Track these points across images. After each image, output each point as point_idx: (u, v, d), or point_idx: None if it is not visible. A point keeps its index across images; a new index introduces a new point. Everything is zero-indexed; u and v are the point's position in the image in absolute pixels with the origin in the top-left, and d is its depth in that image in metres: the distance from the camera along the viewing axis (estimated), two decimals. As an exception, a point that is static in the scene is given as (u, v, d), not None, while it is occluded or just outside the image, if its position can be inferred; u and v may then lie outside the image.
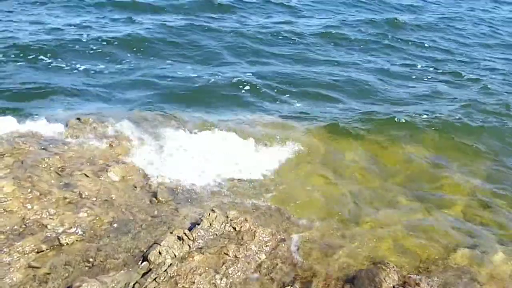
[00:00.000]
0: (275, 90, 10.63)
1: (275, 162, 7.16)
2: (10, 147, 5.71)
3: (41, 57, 11.03)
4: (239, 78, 10.80)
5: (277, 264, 4.84)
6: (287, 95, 10.50)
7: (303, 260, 5.02)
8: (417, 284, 4.62)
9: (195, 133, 7.51)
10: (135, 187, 5.83)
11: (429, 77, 12.73)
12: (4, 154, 5.55)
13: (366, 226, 5.90)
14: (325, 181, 6.93)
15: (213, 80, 10.79)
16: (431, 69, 13.42)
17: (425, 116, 9.46)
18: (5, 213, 4.65)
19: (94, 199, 5.30)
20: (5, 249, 4.25)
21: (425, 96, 11.11)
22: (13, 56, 10.84)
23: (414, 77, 12.60)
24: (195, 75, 11.15)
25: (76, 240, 4.66)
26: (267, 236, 5.14)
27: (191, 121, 8.23)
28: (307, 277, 4.78)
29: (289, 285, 4.58)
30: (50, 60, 10.97)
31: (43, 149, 5.89)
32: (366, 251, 5.30)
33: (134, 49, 12.43)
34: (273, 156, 7.31)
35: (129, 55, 12.11)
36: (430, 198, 6.73)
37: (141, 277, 4.15)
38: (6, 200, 4.79)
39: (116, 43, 12.56)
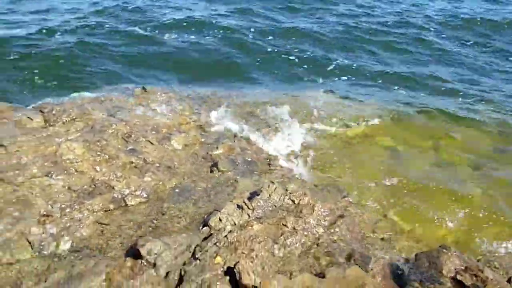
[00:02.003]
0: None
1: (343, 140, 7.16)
2: (80, 112, 5.98)
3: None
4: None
5: (334, 241, 4.82)
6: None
7: (360, 238, 4.97)
8: (480, 270, 4.45)
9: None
10: (197, 156, 5.96)
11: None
12: (75, 118, 5.83)
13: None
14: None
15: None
16: None
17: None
18: (76, 173, 4.90)
19: (158, 165, 5.47)
20: (76, 206, 4.49)
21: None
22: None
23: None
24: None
25: (141, 202, 4.85)
26: (326, 211, 5.12)
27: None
28: (363, 255, 4.74)
29: (345, 261, 4.55)
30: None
31: (111, 115, 6.13)
32: (430, 237, 5.18)
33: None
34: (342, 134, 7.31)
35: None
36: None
37: (202, 241, 4.25)
38: (77, 161, 5.05)
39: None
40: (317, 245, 4.68)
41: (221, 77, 9.88)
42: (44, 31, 11.21)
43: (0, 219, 4.11)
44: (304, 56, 11.60)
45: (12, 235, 4.03)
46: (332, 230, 4.97)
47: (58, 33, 11.17)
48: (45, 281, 3.60)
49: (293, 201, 5.08)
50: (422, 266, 4.50)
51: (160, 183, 5.17)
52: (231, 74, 10.06)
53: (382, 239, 5.12)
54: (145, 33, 11.88)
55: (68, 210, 4.44)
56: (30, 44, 10.18)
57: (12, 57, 9.42)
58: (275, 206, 4.98)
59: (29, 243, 4.04)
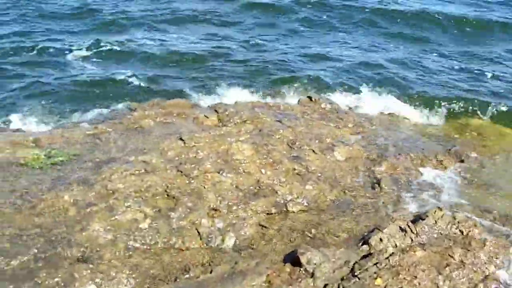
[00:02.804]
0: None
1: None
2: (251, 115, 6.28)
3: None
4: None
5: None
6: None
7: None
8: None
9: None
10: (358, 169, 5.83)
11: None
12: (246, 121, 6.14)
13: None
14: None
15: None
16: None
17: None
18: (244, 173, 5.14)
19: (319, 174, 5.47)
20: (242, 205, 4.71)
21: None
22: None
23: None
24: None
25: (301, 210, 4.90)
26: (498, 248, 4.59)
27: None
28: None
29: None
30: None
31: (278, 121, 6.32)
32: None
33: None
34: None
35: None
36: None
37: (361, 259, 4.12)
38: (245, 162, 5.30)
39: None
40: (485, 284, 4.21)
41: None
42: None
43: (176, 208, 4.50)
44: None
45: (185, 223, 4.37)
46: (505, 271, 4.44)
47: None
48: (211, 272, 3.82)
49: (461, 231, 4.66)
50: None
51: (321, 193, 5.15)
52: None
53: None
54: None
55: (234, 208, 4.67)
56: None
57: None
58: (441, 234, 4.61)
59: (199, 233, 4.35)
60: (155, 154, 5.17)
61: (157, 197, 4.62)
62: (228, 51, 11.09)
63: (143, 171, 4.84)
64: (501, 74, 10.66)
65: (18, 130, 6.60)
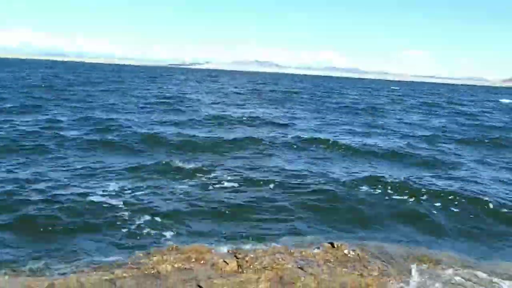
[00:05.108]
0: None
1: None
2: (271, 261, 6.10)
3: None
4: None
5: None
6: None
7: None
8: None
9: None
10: (387, 324, 5.41)
11: None
12: (267, 267, 5.94)
13: None
14: None
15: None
16: None
17: None
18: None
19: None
20: None
21: None
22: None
23: None
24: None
25: None
26: None
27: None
28: None
29: None
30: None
31: (300, 268, 6.10)
32: None
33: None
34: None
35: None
36: None
37: None
38: (264, 312, 4.99)
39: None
40: None
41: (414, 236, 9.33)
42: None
43: None
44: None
45: None
46: None
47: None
48: None
49: None
50: None
51: None
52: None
53: None
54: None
55: None
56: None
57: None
58: None
59: None
60: (171, 301, 4.93)
61: None
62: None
63: (157, 320, 4.58)
64: None
65: (34, 273, 6.47)
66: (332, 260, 6.67)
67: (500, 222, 10.45)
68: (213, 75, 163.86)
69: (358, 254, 7.05)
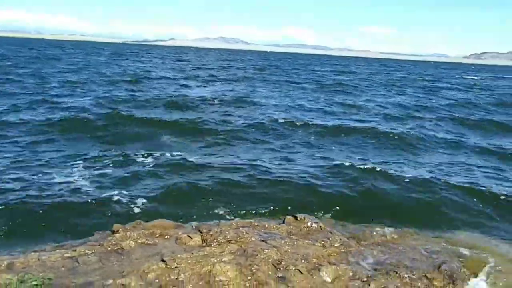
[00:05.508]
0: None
1: None
2: (235, 235, 6.17)
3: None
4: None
5: None
6: None
7: None
8: None
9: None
10: (347, 291, 5.59)
11: None
12: (231, 241, 6.01)
13: None
14: None
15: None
16: None
17: None
18: (226, 296, 4.90)
19: (307, 296, 5.23)
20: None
21: None
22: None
23: None
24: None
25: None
26: None
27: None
28: None
29: None
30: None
31: (263, 241, 6.20)
32: None
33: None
34: None
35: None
36: None
37: None
38: (228, 284, 5.08)
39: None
40: None
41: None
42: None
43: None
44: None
45: None
46: None
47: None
48: None
49: None
50: None
51: (309, 316, 4.88)
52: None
53: None
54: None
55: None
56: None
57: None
58: None
59: None
60: (134, 277, 4.96)
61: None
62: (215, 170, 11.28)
63: (120, 295, 4.60)
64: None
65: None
66: (294, 232, 6.81)
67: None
68: (178, 51, 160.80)
69: (320, 226, 7.21)
